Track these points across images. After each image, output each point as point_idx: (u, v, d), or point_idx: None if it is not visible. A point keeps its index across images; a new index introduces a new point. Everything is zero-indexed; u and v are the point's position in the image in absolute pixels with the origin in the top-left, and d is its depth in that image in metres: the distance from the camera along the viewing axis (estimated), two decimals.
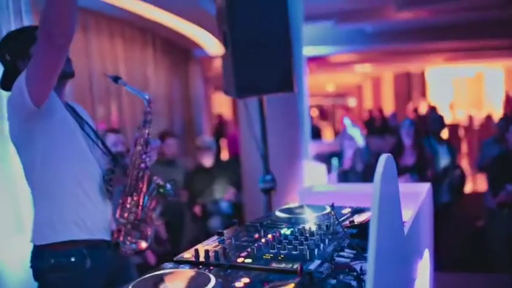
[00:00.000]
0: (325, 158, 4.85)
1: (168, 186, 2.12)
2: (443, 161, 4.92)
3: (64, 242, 1.85)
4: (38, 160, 1.85)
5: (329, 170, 4.47)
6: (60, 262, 1.82)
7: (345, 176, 4.40)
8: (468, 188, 7.19)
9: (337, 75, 20.99)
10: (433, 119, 5.32)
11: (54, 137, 1.86)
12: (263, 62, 2.73)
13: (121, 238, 2.00)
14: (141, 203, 2.04)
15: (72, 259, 1.84)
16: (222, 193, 5.09)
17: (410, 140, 4.53)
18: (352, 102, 26.32)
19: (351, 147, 4.44)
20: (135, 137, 2.05)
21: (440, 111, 14.83)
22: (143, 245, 2.02)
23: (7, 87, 1.94)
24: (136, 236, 2.01)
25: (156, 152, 2.12)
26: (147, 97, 2.02)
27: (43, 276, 1.85)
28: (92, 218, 1.93)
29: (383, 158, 1.14)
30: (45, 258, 1.83)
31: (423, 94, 19.43)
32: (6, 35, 2.01)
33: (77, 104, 2.19)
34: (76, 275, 1.84)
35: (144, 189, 2.05)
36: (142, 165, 2.03)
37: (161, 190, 2.08)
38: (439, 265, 2.76)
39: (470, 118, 13.23)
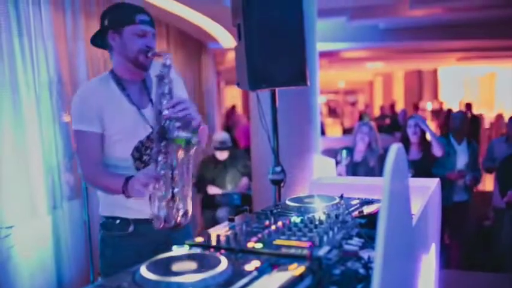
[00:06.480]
0: (332, 154, 4.86)
1: (183, 134, 1.81)
2: (462, 159, 4.84)
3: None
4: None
5: (336, 164, 4.50)
6: (108, 221, 2.16)
7: (354, 169, 4.40)
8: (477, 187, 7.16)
9: (348, 72, 20.94)
10: (455, 117, 5.03)
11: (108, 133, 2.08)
12: (277, 55, 2.74)
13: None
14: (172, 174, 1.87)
15: (117, 221, 2.13)
16: (233, 184, 5.13)
17: (416, 138, 4.60)
18: (352, 98, 26.23)
19: (363, 140, 4.44)
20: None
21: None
22: (181, 219, 1.93)
23: (96, 44, 2.15)
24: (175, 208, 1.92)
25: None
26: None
27: (99, 232, 2.20)
28: (138, 201, 2.05)
29: (394, 149, 1.12)
30: (101, 219, 2.20)
31: (434, 92, 19.34)
32: (116, 4, 2.17)
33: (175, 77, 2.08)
34: (119, 235, 2.13)
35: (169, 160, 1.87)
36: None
37: (178, 142, 1.81)
38: (445, 262, 2.76)
39: (481, 117, 13.12)
